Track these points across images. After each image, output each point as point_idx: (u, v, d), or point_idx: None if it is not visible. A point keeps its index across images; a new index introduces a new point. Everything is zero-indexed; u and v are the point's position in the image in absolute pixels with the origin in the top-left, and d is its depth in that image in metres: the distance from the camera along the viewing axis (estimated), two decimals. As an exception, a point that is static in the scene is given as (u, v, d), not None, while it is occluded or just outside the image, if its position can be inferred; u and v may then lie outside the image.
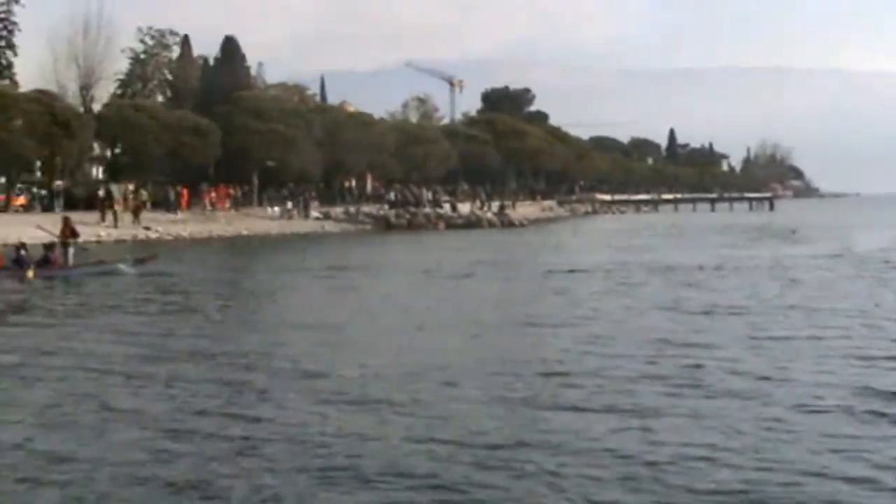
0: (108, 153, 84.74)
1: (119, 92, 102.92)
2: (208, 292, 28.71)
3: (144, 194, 71.77)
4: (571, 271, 34.34)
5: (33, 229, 41.71)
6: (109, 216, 64.76)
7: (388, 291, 28.56)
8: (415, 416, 12.16)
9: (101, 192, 73.42)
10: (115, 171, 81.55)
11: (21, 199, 72.87)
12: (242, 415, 12.31)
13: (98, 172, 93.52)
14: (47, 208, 71.40)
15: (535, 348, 17.40)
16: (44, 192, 77.47)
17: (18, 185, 74.61)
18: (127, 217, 65.90)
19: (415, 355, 16.65)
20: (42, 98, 72.95)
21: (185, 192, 72.53)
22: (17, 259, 31.59)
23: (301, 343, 18.18)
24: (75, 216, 44.84)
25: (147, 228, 66.26)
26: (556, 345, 17.67)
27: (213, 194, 75.73)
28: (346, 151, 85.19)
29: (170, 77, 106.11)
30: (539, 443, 10.90)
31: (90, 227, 60.50)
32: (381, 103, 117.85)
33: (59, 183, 77.19)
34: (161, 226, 67.38)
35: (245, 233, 69.16)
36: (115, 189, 73.41)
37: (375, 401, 12.94)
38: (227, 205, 76.30)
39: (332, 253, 49.11)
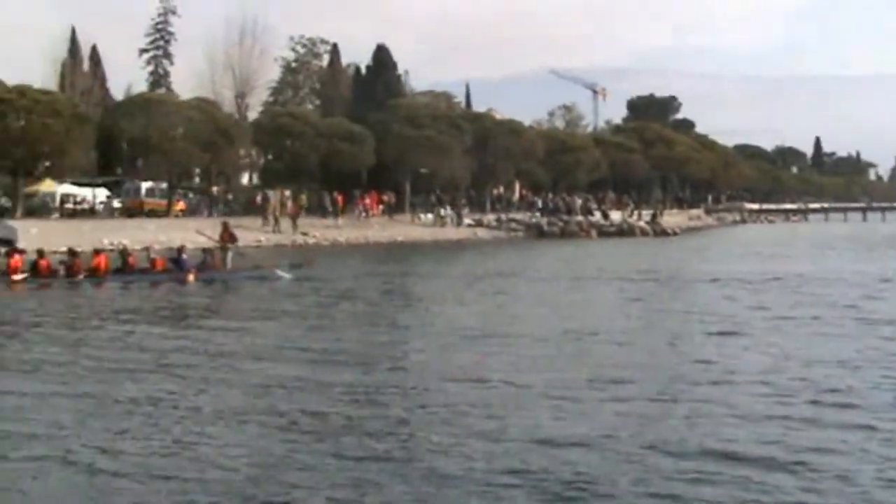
0: (262, 160, 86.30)
1: (271, 100, 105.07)
2: (369, 298, 28.46)
3: (304, 199, 72.76)
4: (741, 280, 33.31)
5: (193, 234, 42.38)
6: (270, 220, 65.84)
7: (566, 299, 28.16)
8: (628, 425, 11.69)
9: (258, 198, 74.91)
10: (268, 178, 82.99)
11: (181, 205, 74.65)
12: (425, 424, 11.94)
13: (250, 178, 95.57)
14: (206, 213, 73.15)
15: (732, 359, 16.59)
16: (201, 197, 79.50)
17: (178, 191, 76.47)
18: (285, 222, 66.77)
19: (607, 361, 16.23)
20: (203, 106, 74.60)
21: (339, 198, 73.31)
22: (178, 262, 32.10)
23: (476, 349, 17.74)
24: (234, 221, 45.75)
25: (304, 234, 67.04)
26: (755, 356, 16.88)
27: (367, 200, 76.29)
28: (496, 158, 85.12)
29: (318, 85, 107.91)
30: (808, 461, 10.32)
31: (250, 232, 60.68)
32: (521, 111, 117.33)
33: (215, 189, 79.01)
34: (318, 231, 68.22)
35: (400, 239, 69.62)
36: (272, 195, 74.70)
37: (576, 413, 12.43)
38: (379, 211, 76.87)
39: (491, 259, 48.71)
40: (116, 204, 74.23)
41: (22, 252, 33.01)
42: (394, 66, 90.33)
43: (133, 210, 70.67)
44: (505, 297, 28.67)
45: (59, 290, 29.81)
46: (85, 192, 76.41)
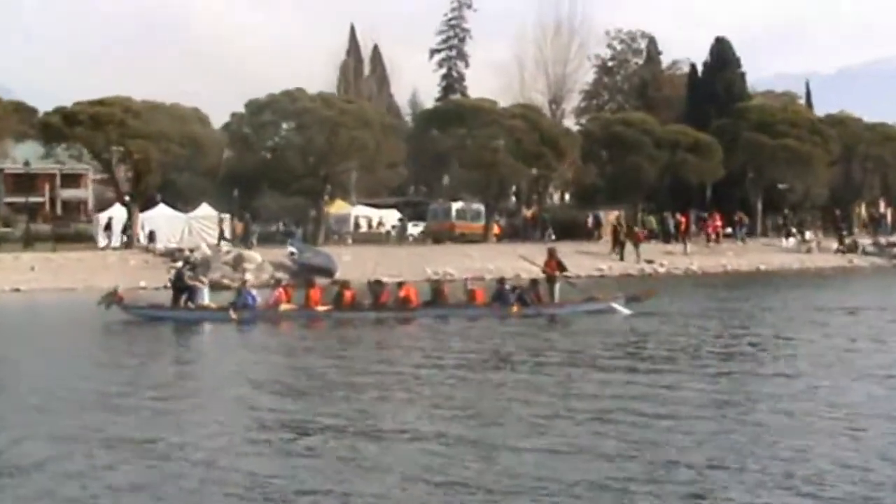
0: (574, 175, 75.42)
1: (583, 105, 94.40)
2: (727, 338, 24.05)
3: (652, 221, 62.07)
4: None
5: (517, 260, 38.96)
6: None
7: None
8: None
9: (589, 220, 64.71)
10: (586, 196, 72.54)
11: (496, 228, 65.19)
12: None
13: (562, 197, 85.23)
14: (525, 237, 63.37)
15: None
16: (512, 219, 70.09)
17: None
18: (629, 249, 56.45)
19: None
20: (527, 114, 64.86)
21: (683, 220, 61.87)
22: (499, 294, 29.30)
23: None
24: (563, 247, 41.14)
25: (650, 262, 56.71)
26: None
27: (718, 222, 64.36)
28: (865, 170, 71.54)
29: (633, 87, 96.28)
30: None
31: (587, 259, 53.32)
32: (870, 109, 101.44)
33: (529, 211, 69.09)
34: (664, 258, 57.65)
35: (763, 267, 57.92)
36: (602, 216, 64.52)
37: None
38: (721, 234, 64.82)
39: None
40: (412, 228, 65.35)
41: (345, 284, 30.29)
42: (736, 61, 77.70)
43: (441, 234, 62.13)
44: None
45: (363, 326, 27.21)
46: (380, 214, 68.44)
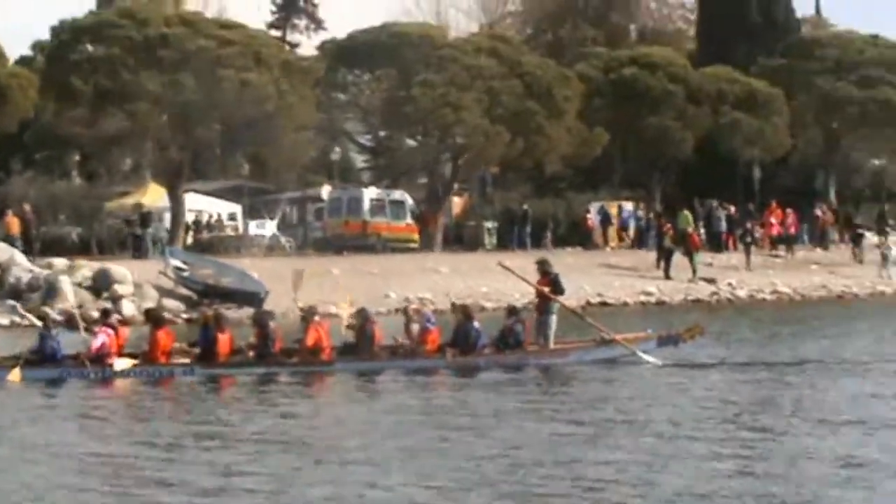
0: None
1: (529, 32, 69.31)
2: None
3: (688, 218, 41.06)
4: None
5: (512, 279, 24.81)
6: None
7: None
8: None
9: (591, 214, 43.80)
10: (587, 179, 50.62)
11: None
12: None
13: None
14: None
15: None
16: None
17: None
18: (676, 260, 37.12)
19: None
20: (499, 49, 43.41)
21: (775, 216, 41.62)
22: (464, 333, 20.48)
23: None
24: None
25: (709, 281, 37.78)
26: None
27: (787, 220, 43.90)
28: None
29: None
30: None
31: (617, 276, 37.73)
32: None
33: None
34: (729, 275, 37.88)
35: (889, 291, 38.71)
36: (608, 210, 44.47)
37: None
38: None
39: None
40: (255, 229, 44.51)
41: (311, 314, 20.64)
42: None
43: (346, 239, 42.60)
44: None
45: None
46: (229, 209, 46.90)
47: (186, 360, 20.14)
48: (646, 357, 20.83)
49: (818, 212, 45.21)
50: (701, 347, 21.36)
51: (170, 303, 31.79)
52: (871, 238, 44.19)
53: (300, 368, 20.12)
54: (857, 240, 43.03)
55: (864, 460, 11.56)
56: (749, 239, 40.77)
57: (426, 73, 42.36)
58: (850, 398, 16.03)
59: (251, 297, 31.00)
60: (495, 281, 30.57)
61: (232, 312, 27.80)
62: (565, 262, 27.78)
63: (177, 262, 34.62)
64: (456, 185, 47.18)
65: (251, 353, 20.25)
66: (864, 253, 42.24)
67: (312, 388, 19.25)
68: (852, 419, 14.05)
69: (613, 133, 45.20)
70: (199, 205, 44.63)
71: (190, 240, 41.73)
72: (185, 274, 33.95)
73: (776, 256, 42.73)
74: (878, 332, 26.06)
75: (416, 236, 43.72)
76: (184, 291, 33.14)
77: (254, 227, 44.49)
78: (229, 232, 43.85)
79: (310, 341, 20.01)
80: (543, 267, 22.22)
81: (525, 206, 44.72)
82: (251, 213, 45.52)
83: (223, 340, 19.96)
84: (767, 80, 47.84)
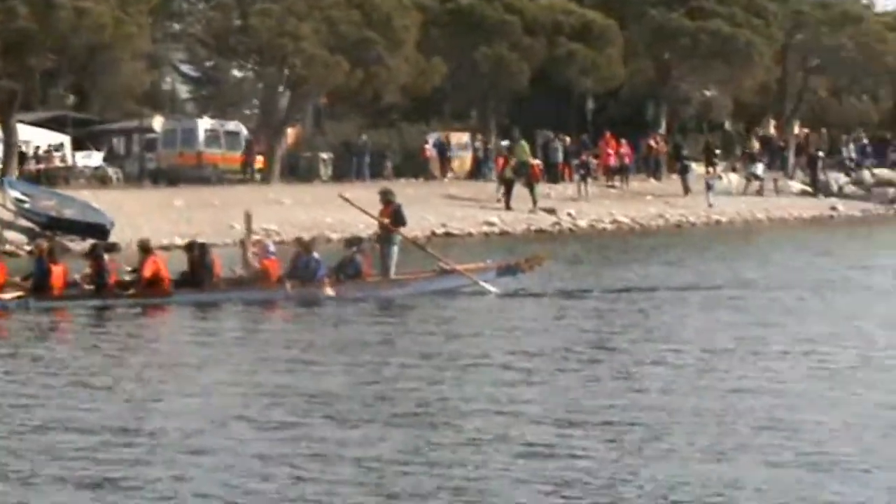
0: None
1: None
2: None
3: (525, 149, 41.18)
4: None
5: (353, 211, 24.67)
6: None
7: None
8: None
9: (429, 145, 43.45)
10: (423, 109, 50.15)
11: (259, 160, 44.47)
12: None
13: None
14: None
15: None
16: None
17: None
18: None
19: None
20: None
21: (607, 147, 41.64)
22: (300, 264, 20.28)
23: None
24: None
25: (549, 211, 37.77)
26: None
27: (622, 150, 44.49)
28: (806, 71, 51.86)
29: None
30: None
31: (459, 206, 37.76)
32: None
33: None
34: (569, 206, 38.20)
35: (722, 219, 41.45)
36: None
37: None
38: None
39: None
40: (82, 160, 43.31)
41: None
42: None
43: (180, 171, 41.66)
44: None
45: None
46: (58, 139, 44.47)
47: (20, 293, 19.41)
48: (487, 286, 20.79)
49: (651, 142, 45.91)
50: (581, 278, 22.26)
51: (11, 235, 30.95)
52: (697, 169, 45.56)
53: (138, 301, 19.57)
54: (683, 171, 44.28)
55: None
56: (584, 170, 41.46)
57: (263, 2, 41.23)
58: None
59: (97, 229, 30.14)
60: (339, 212, 30.21)
61: (76, 245, 27.06)
62: (406, 193, 27.55)
63: (16, 194, 33.27)
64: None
65: (86, 286, 19.70)
66: (689, 183, 43.57)
67: (148, 320, 18.89)
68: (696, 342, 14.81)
69: (449, 63, 45.11)
70: (25, 135, 42.60)
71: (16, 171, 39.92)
72: (27, 206, 32.66)
73: (612, 187, 43.53)
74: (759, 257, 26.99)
75: (241, 167, 43.31)
76: (25, 223, 31.98)
77: (80, 158, 42.85)
78: (57, 163, 42.04)
79: (147, 273, 19.54)
80: (387, 197, 21.93)
81: (364, 137, 44.37)
82: (76, 144, 43.82)
83: (57, 273, 19.45)
84: (602, 11, 47.97)
